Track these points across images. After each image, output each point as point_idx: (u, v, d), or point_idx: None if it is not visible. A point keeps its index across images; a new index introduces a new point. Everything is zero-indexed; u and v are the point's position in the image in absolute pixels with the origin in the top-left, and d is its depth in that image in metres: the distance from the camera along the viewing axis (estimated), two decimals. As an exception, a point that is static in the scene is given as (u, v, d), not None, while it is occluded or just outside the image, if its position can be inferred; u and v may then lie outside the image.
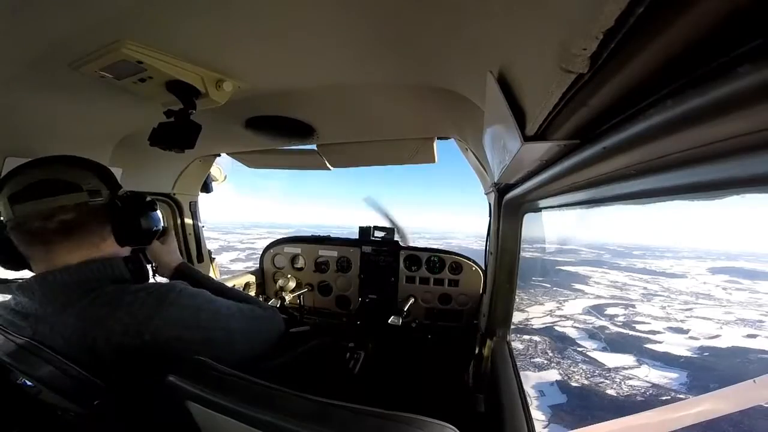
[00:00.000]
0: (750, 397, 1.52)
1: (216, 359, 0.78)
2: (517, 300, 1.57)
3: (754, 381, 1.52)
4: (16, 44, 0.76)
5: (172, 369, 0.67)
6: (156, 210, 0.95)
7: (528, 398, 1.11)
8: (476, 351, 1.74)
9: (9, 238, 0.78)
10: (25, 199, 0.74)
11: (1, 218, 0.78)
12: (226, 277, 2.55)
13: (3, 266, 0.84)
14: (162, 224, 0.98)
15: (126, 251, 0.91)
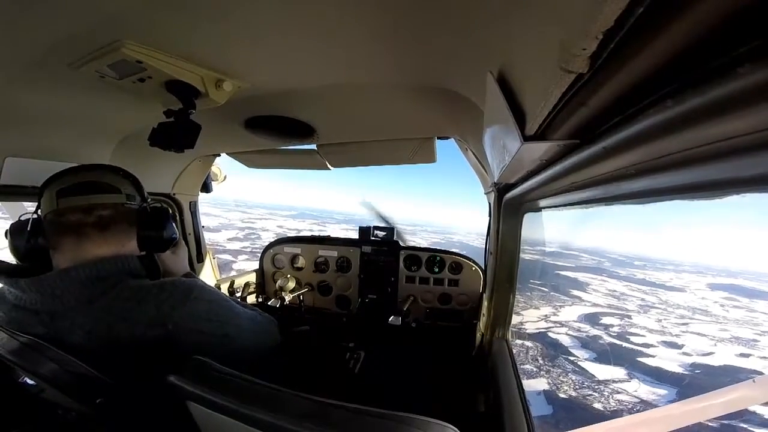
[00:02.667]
0: (750, 397, 1.52)
1: (225, 355, 0.81)
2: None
3: (754, 380, 1.51)
4: (17, 44, 0.76)
5: (172, 369, 0.67)
6: (175, 221, 1.01)
7: (528, 398, 1.10)
8: (476, 351, 1.74)
9: (40, 231, 0.84)
10: (72, 194, 0.83)
11: (39, 212, 0.86)
12: (226, 276, 2.55)
13: (23, 254, 0.88)
14: (177, 235, 1.06)
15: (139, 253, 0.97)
